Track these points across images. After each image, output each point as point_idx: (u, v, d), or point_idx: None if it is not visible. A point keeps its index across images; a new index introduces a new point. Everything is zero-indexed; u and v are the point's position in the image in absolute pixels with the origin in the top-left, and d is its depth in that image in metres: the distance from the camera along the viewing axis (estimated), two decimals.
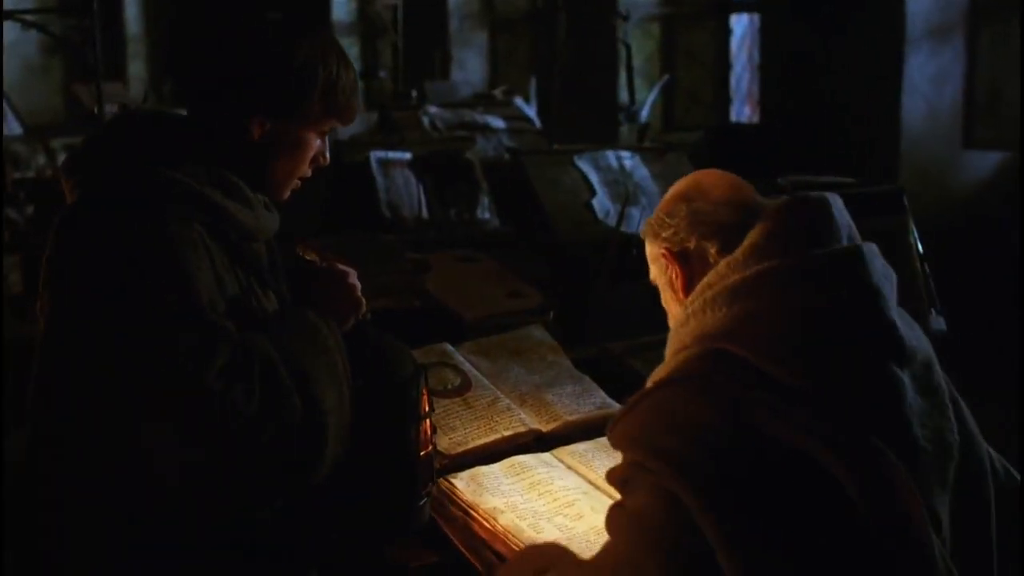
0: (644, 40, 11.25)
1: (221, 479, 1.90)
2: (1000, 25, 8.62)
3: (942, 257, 3.85)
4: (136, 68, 15.31)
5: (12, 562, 2.04)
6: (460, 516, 2.32)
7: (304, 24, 2.15)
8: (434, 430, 2.40)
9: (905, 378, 1.77)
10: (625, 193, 4.56)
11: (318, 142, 2.20)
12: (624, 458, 1.82)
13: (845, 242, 1.84)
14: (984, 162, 8.69)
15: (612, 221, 4.39)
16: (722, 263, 1.85)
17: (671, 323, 2.01)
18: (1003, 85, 8.66)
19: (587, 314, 3.46)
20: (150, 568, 1.97)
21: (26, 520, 2.04)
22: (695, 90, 11.48)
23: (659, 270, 2.04)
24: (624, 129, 9.40)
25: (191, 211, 1.99)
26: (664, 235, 1.99)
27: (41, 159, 7.55)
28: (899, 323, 1.79)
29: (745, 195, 1.98)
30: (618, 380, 2.94)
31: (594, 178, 5.04)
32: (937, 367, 1.88)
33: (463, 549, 2.23)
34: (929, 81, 8.63)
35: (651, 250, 2.05)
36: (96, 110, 5.05)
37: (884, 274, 1.83)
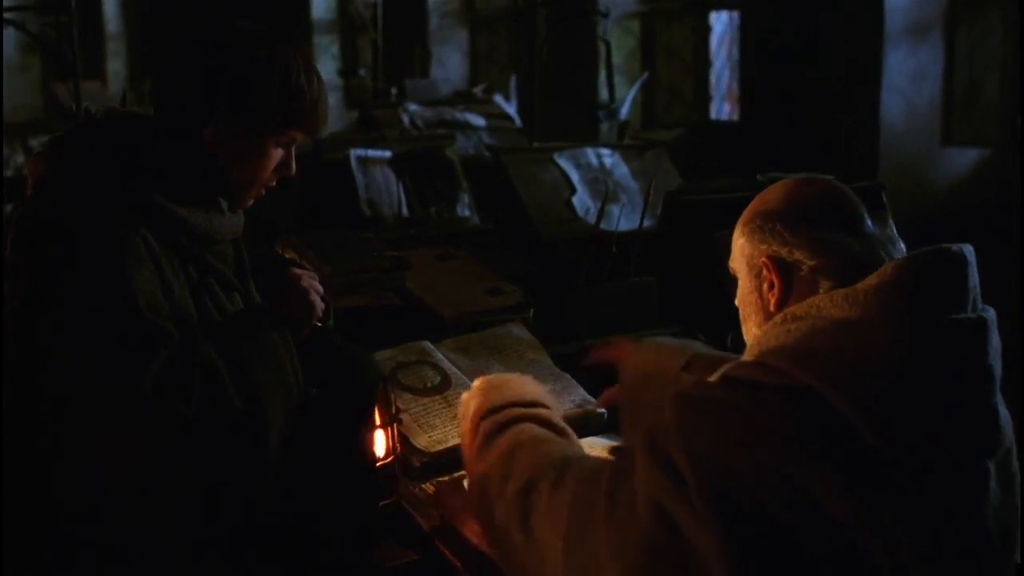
0: (624, 37, 11.26)
1: (162, 478, 1.94)
2: (978, 22, 8.66)
3: None
4: (115, 66, 15.25)
5: None
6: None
7: (271, 32, 2.13)
8: (402, 439, 2.40)
9: (992, 469, 1.69)
10: (605, 190, 4.56)
11: (280, 152, 2.18)
12: (660, 429, 1.72)
13: (971, 308, 1.70)
14: (962, 159, 8.73)
15: (592, 218, 4.38)
16: (840, 293, 1.72)
17: (747, 327, 1.93)
18: (981, 82, 8.70)
19: (567, 311, 3.45)
20: (118, 561, 2.00)
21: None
22: (675, 87, 11.50)
23: (750, 270, 1.92)
24: (604, 126, 9.41)
25: (137, 216, 2.00)
26: (775, 247, 1.86)
27: (19, 158, 7.52)
28: (1000, 409, 1.69)
29: (866, 223, 1.87)
30: (598, 377, 2.94)
31: (574, 175, 5.04)
32: (1015, 450, 1.77)
33: (446, 550, 2.22)
34: (908, 78, 8.67)
35: (748, 248, 1.92)
36: (74, 109, 5.03)
37: (997, 348, 1.71)
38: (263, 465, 2.01)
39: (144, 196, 2.02)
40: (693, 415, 1.70)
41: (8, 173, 6.95)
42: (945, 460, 1.64)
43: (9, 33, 5.49)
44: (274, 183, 2.21)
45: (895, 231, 3.42)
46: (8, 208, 4.91)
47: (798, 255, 1.83)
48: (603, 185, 4.82)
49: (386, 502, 2.28)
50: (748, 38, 10.02)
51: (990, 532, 1.68)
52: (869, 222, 1.87)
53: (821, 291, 1.79)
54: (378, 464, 2.27)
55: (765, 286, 1.88)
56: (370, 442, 2.26)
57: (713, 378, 1.77)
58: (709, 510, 1.59)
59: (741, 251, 1.94)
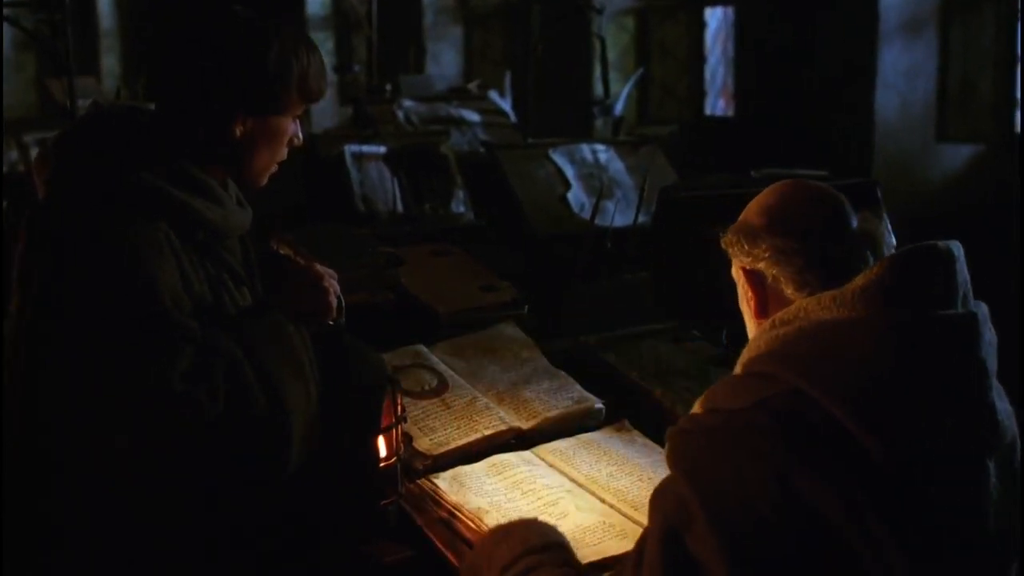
0: (618, 33, 11.27)
1: (187, 477, 1.92)
2: (972, 19, 8.67)
3: None
4: (109, 62, 15.25)
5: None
6: (446, 517, 2.31)
7: (271, 17, 2.14)
8: (407, 439, 2.40)
9: (992, 466, 1.66)
10: (600, 186, 4.57)
11: (292, 125, 2.21)
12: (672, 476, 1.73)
13: (960, 304, 1.69)
14: (956, 155, 8.74)
15: (587, 214, 4.39)
16: (827, 295, 1.71)
17: (748, 328, 1.94)
18: (975, 79, 8.71)
19: (562, 307, 3.46)
20: (125, 564, 1.98)
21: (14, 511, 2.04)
22: (669, 83, 11.50)
23: (737, 279, 1.95)
24: (599, 122, 9.41)
25: (157, 212, 1.99)
26: (744, 260, 1.88)
27: (13, 154, 7.51)
28: (997, 403, 1.67)
29: (840, 221, 1.83)
30: (594, 373, 2.95)
31: (569, 171, 5.04)
32: (1018, 445, 1.75)
33: (442, 547, 2.22)
34: (902, 75, 8.67)
35: (733, 258, 1.94)
36: (68, 105, 5.03)
37: (990, 342, 1.70)
38: (286, 456, 2.00)
39: (161, 191, 2.01)
40: (684, 444, 1.73)
41: (3, 170, 6.93)
42: (941, 457, 1.62)
43: (4, 30, 5.49)
44: (286, 155, 2.24)
45: (888, 226, 3.43)
46: (4, 204, 4.91)
47: (761, 266, 1.86)
48: (598, 181, 4.82)
49: (387, 502, 2.28)
50: (744, 35, 10.02)
51: (990, 531, 1.66)
52: (853, 220, 1.85)
53: (786, 294, 1.81)
54: (381, 465, 2.27)
55: (748, 294, 1.90)
56: (375, 442, 2.25)
57: (696, 408, 1.79)
58: (712, 532, 1.59)
59: (733, 261, 1.96)
